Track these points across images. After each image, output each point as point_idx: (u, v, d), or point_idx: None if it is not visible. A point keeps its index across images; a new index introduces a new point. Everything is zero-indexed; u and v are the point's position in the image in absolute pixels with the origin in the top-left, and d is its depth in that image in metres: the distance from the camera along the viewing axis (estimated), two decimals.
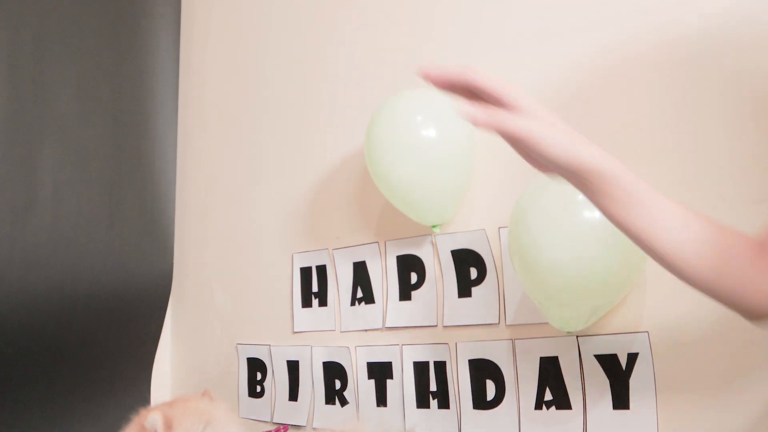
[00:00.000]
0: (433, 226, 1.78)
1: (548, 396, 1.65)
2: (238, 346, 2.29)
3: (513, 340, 1.71)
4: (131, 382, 2.34)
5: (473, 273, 1.79)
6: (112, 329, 2.22)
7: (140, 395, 2.39)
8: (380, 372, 1.93)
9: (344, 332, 2.02)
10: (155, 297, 2.40)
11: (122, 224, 2.27)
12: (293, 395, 2.11)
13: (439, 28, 1.89)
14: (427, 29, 1.92)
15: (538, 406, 1.66)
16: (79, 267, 2.12)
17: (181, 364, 2.51)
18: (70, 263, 2.10)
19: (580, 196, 1.28)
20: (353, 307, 1.99)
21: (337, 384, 2.01)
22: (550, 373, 1.64)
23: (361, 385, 1.96)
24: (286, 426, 1.51)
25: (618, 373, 1.54)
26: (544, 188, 1.46)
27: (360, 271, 2.00)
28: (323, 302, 2.08)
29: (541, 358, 1.66)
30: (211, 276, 2.43)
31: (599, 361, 1.56)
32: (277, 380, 2.16)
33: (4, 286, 1.92)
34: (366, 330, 1.97)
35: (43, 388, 2.07)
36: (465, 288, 1.80)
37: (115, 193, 2.24)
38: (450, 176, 1.69)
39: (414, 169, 1.66)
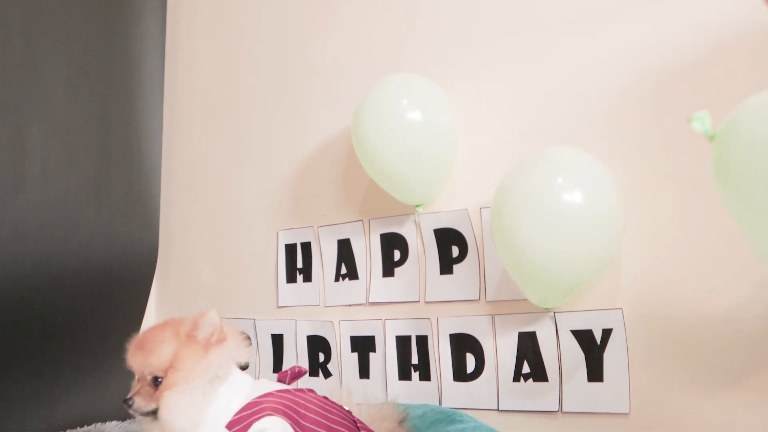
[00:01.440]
0: (417, 206, 1.84)
1: (526, 369, 1.72)
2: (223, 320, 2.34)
3: (493, 316, 1.77)
4: (117, 354, 2.36)
5: (455, 251, 1.85)
6: (98, 303, 2.25)
7: (125, 368, 2.41)
8: (363, 345, 1.99)
9: (328, 307, 2.08)
10: (141, 271, 2.43)
11: (109, 201, 2.28)
12: (278, 368, 2.16)
13: (427, 13, 1.94)
14: (415, 14, 1.97)
15: (516, 379, 1.73)
16: (67, 242, 2.14)
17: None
18: (57, 238, 2.11)
19: (560, 179, 1.37)
20: (337, 282, 2.05)
21: (321, 357, 2.08)
22: (528, 347, 1.72)
23: (344, 358, 2.03)
24: (301, 368, 1.58)
25: (593, 348, 1.62)
26: (525, 170, 1.52)
27: (344, 248, 2.05)
28: (308, 278, 2.13)
29: (520, 333, 1.73)
30: (196, 251, 2.47)
31: (575, 336, 1.64)
32: (261, 353, 2.21)
33: None
34: (350, 305, 2.03)
35: (31, 360, 2.09)
36: (447, 265, 1.86)
37: (102, 170, 2.26)
38: (434, 158, 1.74)
39: (399, 151, 1.71)
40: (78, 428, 2.16)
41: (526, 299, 1.68)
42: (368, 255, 2.01)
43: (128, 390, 2.39)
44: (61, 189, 2.12)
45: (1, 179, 1.97)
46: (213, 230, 2.42)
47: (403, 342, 1.92)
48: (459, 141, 1.80)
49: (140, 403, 1.40)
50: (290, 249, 2.18)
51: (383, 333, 1.95)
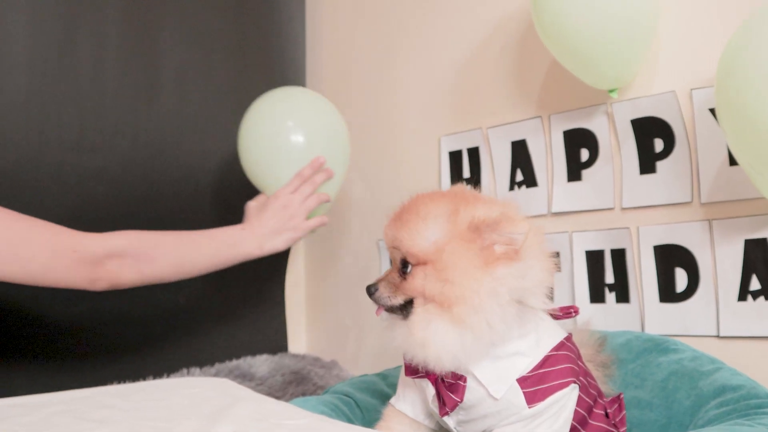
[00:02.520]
0: (611, 91, 1.52)
1: (755, 285, 1.41)
2: (380, 242, 2.13)
3: (710, 221, 1.46)
4: (266, 277, 2.24)
5: (658, 145, 1.54)
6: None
7: (275, 292, 2.31)
8: None
9: None
10: None
11: None
12: None
13: None
14: None
15: (742, 297, 1.42)
16: (207, 156, 2.00)
17: (316, 261, 2.38)
18: (197, 151, 1.97)
19: None
20: (512, 192, 1.78)
21: None
22: (757, 257, 1.40)
23: None
24: (576, 308, 1.17)
25: None
26: (758, 33, 1.17)
27: (520, 151, 1.77)
28: (475, 188, 1.86)
29: (747, 241, 1.41)
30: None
31: None
32: None
33: (127, 180, 1.81)
34: (528, 217, 1.74)
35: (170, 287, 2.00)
36: (648, 163, 1.55)
37: (241, 76, 2.09)
38: (633, 25, 1.41)
39: (591, 18, 1.39)
40: (227, 362, 2.07)
41: (758, 198, 1.35)
42: (549, 157, 1.72)
43: (280, 321, 2.30)
44: (197, 98, 1.96)
45: (133, 88, 1.82)
46: (364, 139, 2.18)
47: (594, 257, 1.63)
48: (661, 3, 1.46)
49: (383, 291, 1.08)
50: (455, 157, 1.92)
51: (570, 248, 1.67)
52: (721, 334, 1.44)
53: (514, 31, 1.78)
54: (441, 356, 1.03)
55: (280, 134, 1.71)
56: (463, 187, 1.16)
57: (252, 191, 2.09)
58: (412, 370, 1.12)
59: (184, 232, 1.61)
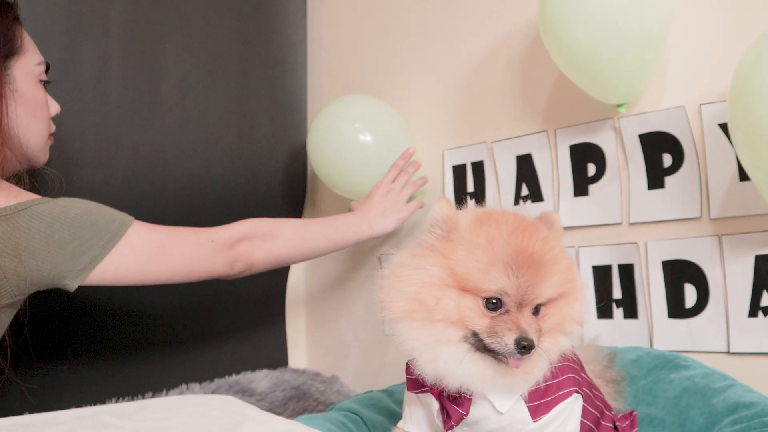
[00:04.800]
0: (619, 106, 1.51)
1: (766, 301, 1.39)
2: (381, 255, 2.11)
3: (719, 236, 1.45)
4: (267, 292, 2.23)
5: (667, 160, 1.52)
6: None
7: (276, 307, 2.29)
8: None
9: None
10: (289, 202, 2.24)
11: (252, 123, 2.10)
12: None
13: None
14: None
15: (752, 314, 1.41)
16: (207, 171, 1.97)
17: (317, 276, 2.36)
18: (198, 167, 1.95)
19: None
20: (517, 206, 1.76)
21: None
22: None
23: None
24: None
25: None
26: None
27: (525, 165, 1.75)
28: (479, 203, 1.84)
29: (757, 257, 1.40)
30: None
31: None
32: None
33: (130, 193, 1.79)
34: None
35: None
36: (656, 177, 1.54)
37: (244, 92, 2.07)
38: (642, 39, 1.39)
39: (599, 33, 1.37)
40: (226, 377, 2.04)
41: (765, 213, 1.33)
42: (555, 171, 1.70)
43: (280, 336, 2.28)
44: (199, 111, 1.94)
45: (135, 101, 1.80)
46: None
47: (601, 273, 1.61)
48: (673, 15, 1.44)
49: (536, 341, 0.99)
50: (459, 171, 1.90)
51: (576, 263, 1.65)
52: (732, 351, 1.43)
53: (520, 45, 1.76)
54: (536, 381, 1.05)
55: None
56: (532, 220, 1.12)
57: (253, 202, 2.07)
58: (417, 385, 1.11)
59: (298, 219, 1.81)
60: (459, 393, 1.05)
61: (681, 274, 1.50)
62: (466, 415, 1.06)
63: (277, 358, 2.26)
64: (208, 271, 1.48)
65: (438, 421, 1.11)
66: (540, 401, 1.07)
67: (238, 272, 1.53)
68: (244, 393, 1.97)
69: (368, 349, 2.18)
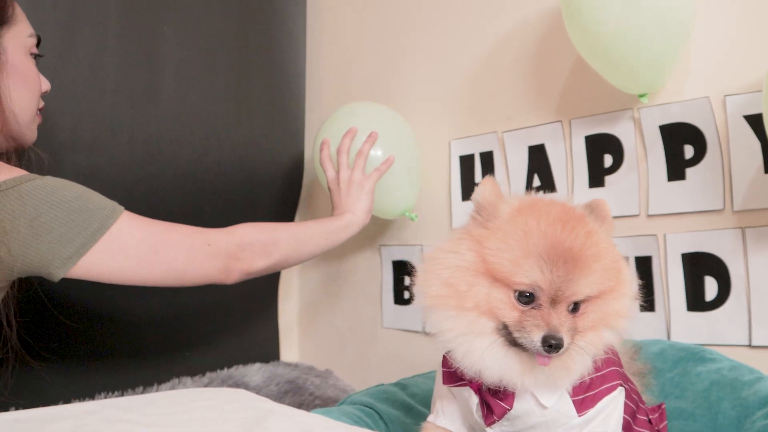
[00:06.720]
0: (641, 96, 1.48)
1: None
2: (381, 247, 2.06)
3: (743, 229, 1.43)
4: (259, 286, 2.15)
5: (688, 151, 1.50)
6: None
7: (268, 300, 2.24)
8: None
9: None
10: (286, 192, 2.19)
11: (250, 112, 2.04)
12: None
13: None
14: None
15: None
16: (204, 160, 1.91)
17: (311, 269, 2.30)
18: (194, 155, 1.88)
19: None
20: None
21: None
22: None
23: None
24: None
25: None
26: None
27: (537, 156, 1.72)
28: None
29: None
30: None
31: None
32: None
33: (124, 180, 1.72)
34: None
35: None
36: (677, 169, 1.51)
37: (243, 83, 2.01)
38: (670, 24, 1.36)
39: (627, 17, 1.33)
40: (218, 371, 2.00)
41: None
42: (569, 162, 1.67)
43: (272, 329, 2.23)
44: (196, 98, 1.87)
45: (132, 86, 1.73)
46: None
47: None
48: (699, 3, 1.42)
49: (567, 339, 0.94)
50: (466, 161, 1.86)
51: None
52: (753, 344, 1.41)
53: (534, 33, 1.73)
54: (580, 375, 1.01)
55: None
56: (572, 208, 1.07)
57: (248, 192, 2.01)
58: (454, 378, 1.07)
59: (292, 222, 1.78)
60: (499, 387, 1.02)
61: (701, 266, 1.48)
62: (509, 410, 1.03)
63: (269, 352, 2.21)
64: (202, 277, 1.38)
65: (477, 415, 1.07)
66: (585, 395, 1.03)
67: (234, 281, 1.44)
68: (238, 387, 1.91)
69: (363, 343, 2.13)
